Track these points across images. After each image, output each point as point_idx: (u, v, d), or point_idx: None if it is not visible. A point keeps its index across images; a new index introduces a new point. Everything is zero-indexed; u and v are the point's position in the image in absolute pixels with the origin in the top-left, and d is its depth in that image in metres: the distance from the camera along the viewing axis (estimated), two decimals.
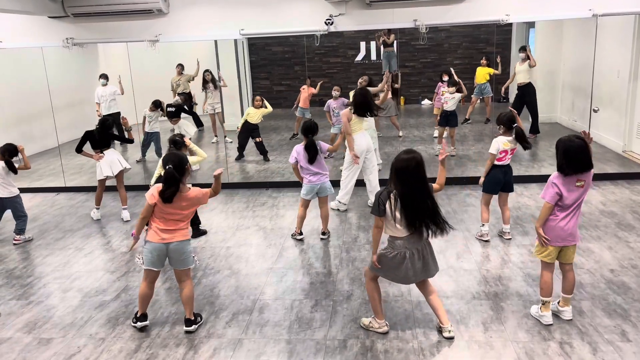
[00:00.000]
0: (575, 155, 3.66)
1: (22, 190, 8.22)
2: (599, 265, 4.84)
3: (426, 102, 10.32)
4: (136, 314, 4.16)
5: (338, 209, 6.64)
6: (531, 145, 5.29)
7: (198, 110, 10.64)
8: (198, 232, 6.02)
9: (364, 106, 6.19)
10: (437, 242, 5.45)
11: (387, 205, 3.59)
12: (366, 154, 6.43)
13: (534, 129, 9.92)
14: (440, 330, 3.85)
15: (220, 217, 6.69)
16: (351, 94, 6.84)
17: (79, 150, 6.61)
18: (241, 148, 9.49)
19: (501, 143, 5.25)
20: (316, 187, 5.60)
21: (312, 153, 5.48)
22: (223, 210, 6.97)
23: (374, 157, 6.69)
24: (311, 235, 5.90)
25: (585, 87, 8.95)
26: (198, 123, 11.14)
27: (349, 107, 6.33)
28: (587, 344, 3.65)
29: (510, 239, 5.49)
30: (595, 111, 7.72)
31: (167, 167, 3.79)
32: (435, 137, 9.87)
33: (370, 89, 6.84)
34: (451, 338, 3.78)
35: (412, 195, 3.55)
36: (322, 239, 5.78)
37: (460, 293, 4.43)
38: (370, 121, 7.02)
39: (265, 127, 11.20)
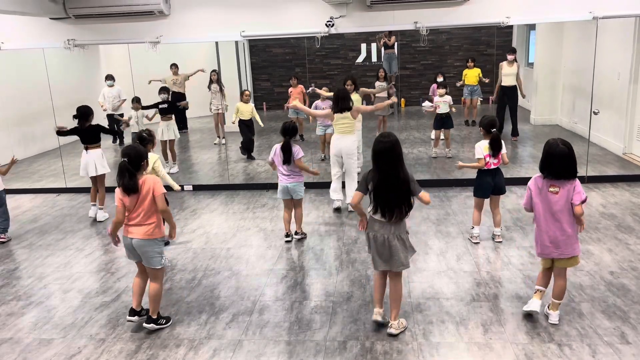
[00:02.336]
0: (554, 160, 3.69)
1: (23, 191, 8.29)
2: (598, 268, 4.84)
3: (427, 104, 10.35)
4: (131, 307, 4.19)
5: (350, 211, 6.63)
6: (500, 152, 5.28)
7: (202, 109, 10.66)
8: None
9: (337, 100, 6.32)
10: (437, 244, 5.50)
11: (370, 185, 3.74)
12: (345, 157, 6.42)
13: (515, 131, 9.98)
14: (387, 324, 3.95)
15: (221, 219, 6.70)
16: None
17: (59, 133, 6.70)
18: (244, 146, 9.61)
19: (482, 147, 5.30)
20: (286, 187, 5.67)
21: (286, 155, 5.55)
22: (224, 212, 6.98)
23: (353, 161, 6.51)
24: (311, 236, 5.91)
25: (586, 89, 8.96)
26: (184, 125, 11.20)
27: (330, 107, 6.52)
28: (587, 346, 3.66)
29: (500, 241, 5.49)
30: (595, 113, 7.71)
31: (122, 160, 3.87)
32: (432, 139, 9.88)
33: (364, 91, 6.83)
34: (391, 335, 3.86)
35: (384, 180, 3.65)
36: (296, 238, 5.82)
37: (460, 295, 4.44)
38: (358, 125, 7.09)
39: (265, 128, 11.24)
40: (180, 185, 6.09)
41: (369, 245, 3.92)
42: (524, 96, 10.14)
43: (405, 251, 3.81)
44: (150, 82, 9.80)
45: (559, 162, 3.67)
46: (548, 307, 4.00)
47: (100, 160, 6.70)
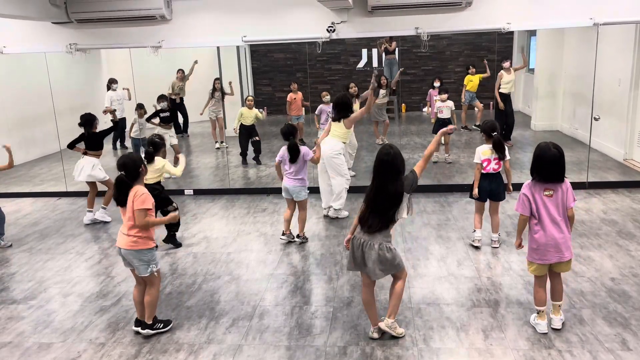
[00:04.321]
0: (545, 164, 3.69)
1: (24, 194, 8.29)
2: (599, 274, 4.84)
3: (427, 110, 10.41)
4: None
5: (337, 217, 6.63)
6: (505, 156, 5.31)
7: (195, 115, 10.69)
8: (171, 240, 5.90)
9: (340, 107, 6.35)
10: (437, 250, 5.49)
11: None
12: (326, 159, 6.41)
13: (508, 137, 10.04)
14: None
15: (221, 223, 6.70)
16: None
17: (71, 146, 6.74)
18: (244, 153, 9.57)
19: (481, 152, 5.32)
20: (289, 188, 5.72)
21: (292, 153, 5.62)
22: (224, 216, 6.98)
23: (333, 164, 6.44)
24: (312, 241, 5.91)
25: (586, 95, 8.97)
26: (185, 129, 11.23)
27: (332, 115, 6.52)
28: (588, 352, 3.65)
29: (497, 247, 5.49)
30: (596, 119, 7.72)
31: (120, 173, 3.87)
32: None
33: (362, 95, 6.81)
34: (380, 329, 3.87)
35: (380, 190, 3.64)
36: (297, 242, 5.85)
37: (461, 300, 4.43)
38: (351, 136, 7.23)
39: (266, 133, 11.25)
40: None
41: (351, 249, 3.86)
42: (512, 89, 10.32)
43: (379, 264, 3.69)
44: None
45: (550, 165, 3.68)
46: (550, 312, 3.99)
47: (89, 167, 6.72)
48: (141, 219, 3.83)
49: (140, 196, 3.83)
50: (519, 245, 4.04)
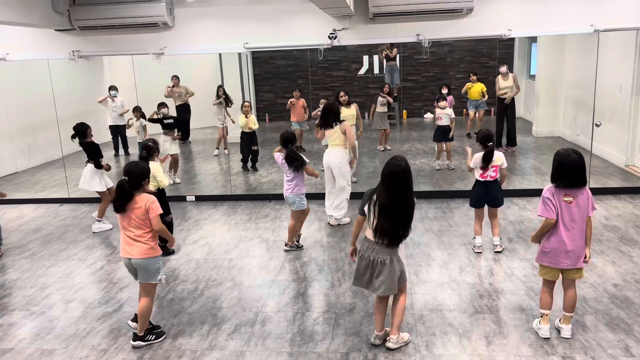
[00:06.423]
0: (567, 170, 3.69)
1: (26, 201, 8.31)
2: (602, 280, 4.83)
3: (429, 116, 10.40)
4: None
5: (339, 224, 6.63)
6: (488, 167, 5.34)
7: (205, 120, 10.70)
8: (164, 251, 5.85)
9: (327, 115, 6.36)
10: (439, 256, 5.49)
11: (367, 205, 3.70)
12: (333, 169, 6.48)
13: (513, 142, 10.04)
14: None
15: (223, 229, 6.71)
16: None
17: (98, 166, 6.72)
18: (245, 159, 9.60)
19: (479, 159, 5.37)
20: (287, 197, 5.71)
21: (292, 164, 5.56)
22: (226, 222, 6.98)
23: (342, 173, 6.50)
24: (313, 247, 5.91)
25: (588, 102, 8.98)
26: (186, 135, 11.23)
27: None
28: (591, 359, 3.64)
29: (499, 251, 5.49)
30: (597, 125, 7.73)
31: (122, 178, 3.88)
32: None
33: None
34: (389, 349, 3.83)
35: (394, 202, 3.60)
36: (284, 249, 5.85)
37: (463, 307, 4.43)
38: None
39: (268, 139, 11.28)
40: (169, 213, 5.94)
41: (357, 266, 3.83)
42: (509, 101, 10.30)
43: (391, 276, 3.70)
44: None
45: (573, 171, 3.67)
46: (560, 321, 3.98)
47: (89, 175, 6.72)
48: (159, 224, 3.93)
49: (153, 203, 3.89)
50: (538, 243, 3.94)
